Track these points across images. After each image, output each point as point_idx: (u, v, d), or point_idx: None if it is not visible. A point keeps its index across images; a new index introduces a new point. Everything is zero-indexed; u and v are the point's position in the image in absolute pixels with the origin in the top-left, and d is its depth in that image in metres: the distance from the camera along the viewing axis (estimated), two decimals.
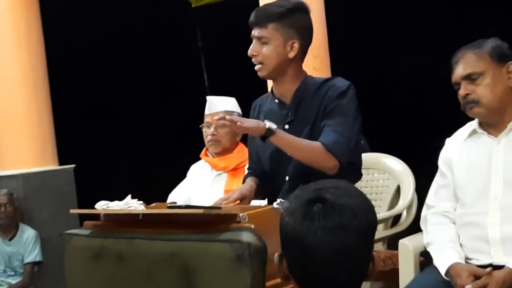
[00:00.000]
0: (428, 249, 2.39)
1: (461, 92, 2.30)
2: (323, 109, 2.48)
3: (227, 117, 2.36)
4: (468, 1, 8.51)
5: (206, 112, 3.48)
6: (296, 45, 2.51)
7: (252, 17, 2.53)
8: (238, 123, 2.33)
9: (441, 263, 2.27)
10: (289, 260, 1.40)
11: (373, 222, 1.41)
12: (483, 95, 2.27)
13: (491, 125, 2.37)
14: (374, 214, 1.41)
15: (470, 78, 2.29)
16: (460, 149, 2.45)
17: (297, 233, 1.35)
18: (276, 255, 1.45)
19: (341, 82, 2.55)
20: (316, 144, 2.40)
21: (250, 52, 2.53)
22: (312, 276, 1.36)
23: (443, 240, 2.36)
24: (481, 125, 2.39)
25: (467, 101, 2.29)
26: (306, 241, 1.33)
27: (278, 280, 1.61)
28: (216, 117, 2.38)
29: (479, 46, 2.32)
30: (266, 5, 2.59)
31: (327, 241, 1.31)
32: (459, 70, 2.32)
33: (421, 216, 2.54)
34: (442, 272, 2.25)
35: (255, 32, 2.52)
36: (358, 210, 1.35)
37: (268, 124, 2.35)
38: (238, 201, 2.47)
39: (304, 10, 2.54)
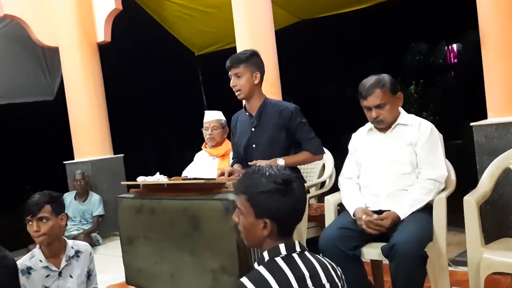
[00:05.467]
0: (342, 200, 2.40)
1: (374, 115, 2.28)
2: (283, 123, 2.48)
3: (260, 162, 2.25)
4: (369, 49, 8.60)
5: (205, 120, 3.45)
6: (258, 75, 2.50)
7: (228, 62, 2.50)
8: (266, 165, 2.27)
9: (350, 207, 2.28)
10: (280, 219, 1.38)
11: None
12: (386, 117, 2.28)
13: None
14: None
15: (379, 107, 2.27)
16: (362, 139, 2.44)
17: (293, 201, 1.39)
18: (260, 223, 1.39)
19: (290, 105, 2.54)
20: (306, 154, 2.50)
21: (231, 84, 2.51)
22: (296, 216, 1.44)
23: (350, 193, 2.36)
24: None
25: (377, 120, 2.29)
26: (298, 203, 1.42)
27: None
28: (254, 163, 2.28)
29: (382, 84, 2.26)
30: (236, 54, 2.56)
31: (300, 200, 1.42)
32: (372, 101, 2.27)
33: (338, 181, 2.55)
34: (351, 213, 2.25)
35: (232, 71, 2.49)
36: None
37: (280, 161, 2.36)
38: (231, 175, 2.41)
39: (258, 55, 2.54)
